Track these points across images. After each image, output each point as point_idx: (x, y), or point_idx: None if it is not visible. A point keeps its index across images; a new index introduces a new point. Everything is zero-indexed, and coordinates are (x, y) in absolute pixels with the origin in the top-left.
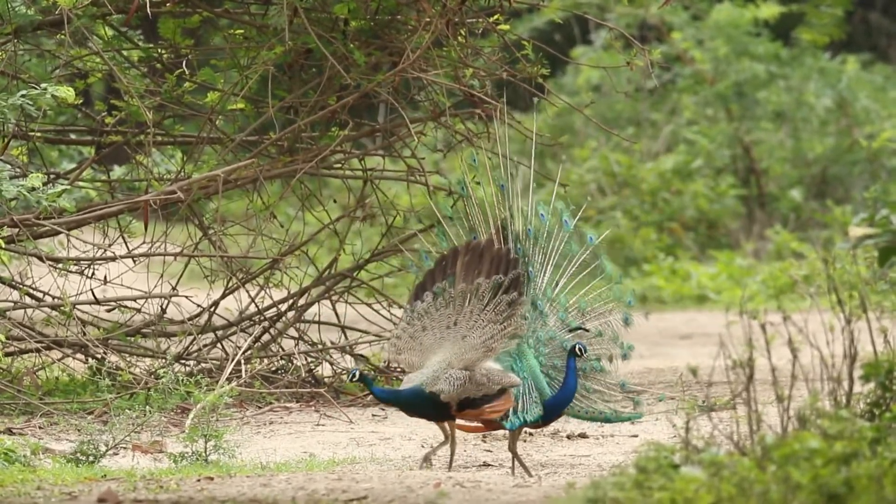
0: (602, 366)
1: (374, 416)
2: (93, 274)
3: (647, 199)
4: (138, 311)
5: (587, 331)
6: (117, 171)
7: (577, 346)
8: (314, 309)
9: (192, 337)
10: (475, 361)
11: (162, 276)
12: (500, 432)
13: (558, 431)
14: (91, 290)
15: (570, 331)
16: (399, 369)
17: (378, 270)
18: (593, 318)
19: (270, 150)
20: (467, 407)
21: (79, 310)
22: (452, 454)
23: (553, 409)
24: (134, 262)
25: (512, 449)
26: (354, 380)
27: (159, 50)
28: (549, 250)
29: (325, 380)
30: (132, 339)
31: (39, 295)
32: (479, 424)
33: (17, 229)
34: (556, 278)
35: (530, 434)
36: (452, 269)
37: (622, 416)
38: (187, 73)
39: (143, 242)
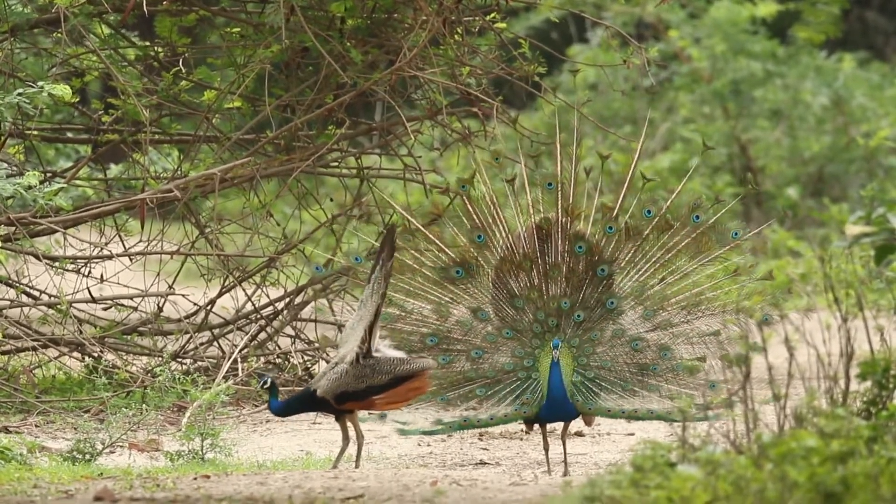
0: (690, 365)
1: (370, 413)
2: (89, 272)
3: (643, 198)
4: (135, 309)
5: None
6: (114, 170)
7: (556, 344)
8: (310, 307)
9: (188, 335)
10: (347, 353)
11: (158, 274)
12: (497, 430)
13: (554, 430)
14: (87, 288)
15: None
16: None
17: None
18: (705, 315)
19: (267, 149)
20: (348, 400)
21: (75, 308)
22: (360, 449)
23: (545, 416)
24: (130, 260)
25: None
26: (265, 387)
27: (156, 48)
28: (651, 247)
29: None
30: (129, 337)
31: (36, 293)
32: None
33: (13, 228)
34: (664, 274)
35: (527, 433)
36: (382, 254)
37: (695, 417)
38: (184, 71)
39: (140, 241)
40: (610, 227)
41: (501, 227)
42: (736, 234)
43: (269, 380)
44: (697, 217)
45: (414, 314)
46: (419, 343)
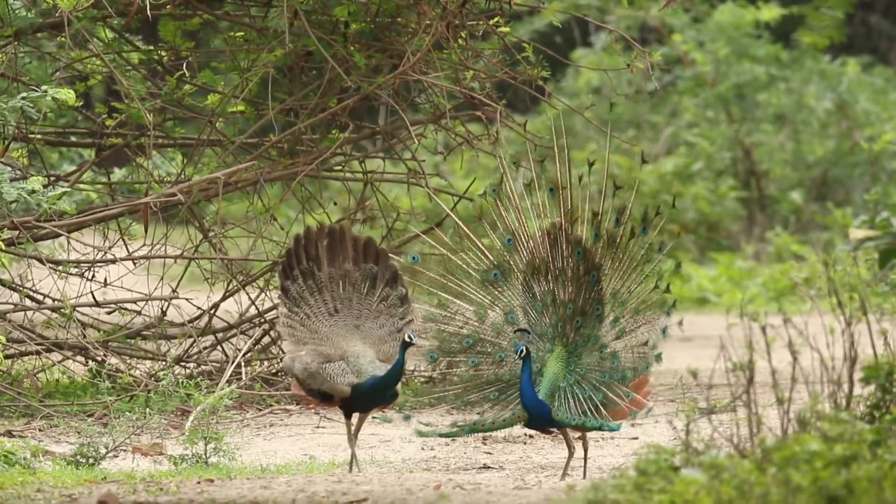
0: (625, 373)
1: (373, 418)
2: (93, 276)
3: (647, 202)
4: (138, 313)
5: (527, 332)
6: (118, 174)
7: (520, 349)
8: None
9: (192, 339)
10: (393, 355)
11: (162, 278)
12: (501, 434)
13: (557, 433)
14: (91, 292)
15: (515, 332)
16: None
17: None
18: (645, 323)
19: (271, 153)
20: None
21: (79, 312)
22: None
23: (533, 423)
24: (134, 264)
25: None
26: None
27: (159, 52)
28: (624, 254)
29: None
30: (132, 341)
31: (40, 297)
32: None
33: (17, 232)
34: (629, 284)
35: (530, 437)
36: (314, 252)
37: (607, 426)
38: (188, 75)
39: (144, 245)
40: (596, 234)
41: (525, 231)
42: (661, 248)
43: None
44: (644, 229)
45: (458, 316)
46: (458, 344)
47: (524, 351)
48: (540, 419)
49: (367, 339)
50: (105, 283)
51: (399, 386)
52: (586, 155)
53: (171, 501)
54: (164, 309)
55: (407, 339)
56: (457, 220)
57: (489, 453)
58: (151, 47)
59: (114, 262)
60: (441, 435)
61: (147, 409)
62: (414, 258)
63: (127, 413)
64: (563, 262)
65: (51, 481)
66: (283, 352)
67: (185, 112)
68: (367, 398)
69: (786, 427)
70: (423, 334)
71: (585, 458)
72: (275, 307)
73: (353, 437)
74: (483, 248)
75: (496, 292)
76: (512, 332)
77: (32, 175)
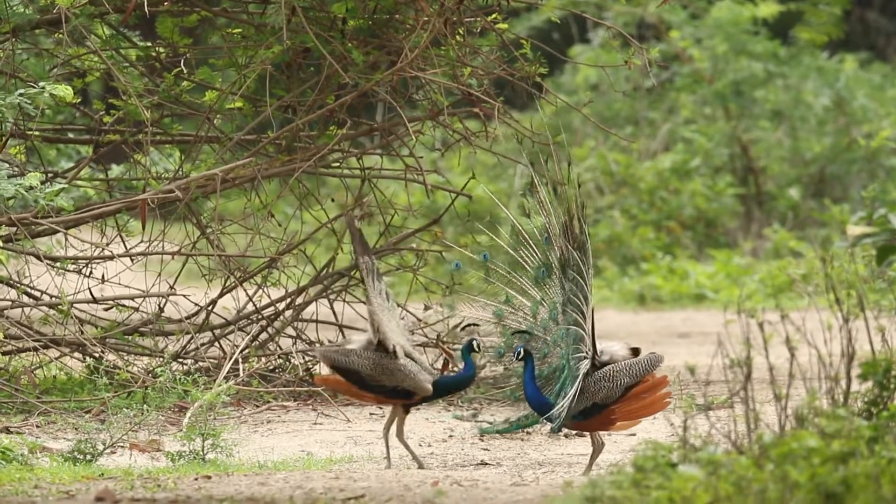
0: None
1: (371, 414)
2: (90, 273)
3: (645, 198)
4: (136, 309)
5: (527, 333)
6: (115, 170)
7: (518, 351)
8: (312, 308)
9: (189, 336)
10: (412, 350)
11: (160, 274)
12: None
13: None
14: (89, 288)
15: (513, 333)
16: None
17: None
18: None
19: (268, 149)
20: None
21: (76, 308)
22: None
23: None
24: (132, 260)
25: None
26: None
27: (157, 49)
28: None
29: None
30: (130, 337)
31: (37, 294)
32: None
33: (15, 228)
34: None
35: (528, 433)
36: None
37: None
38: (185, 71)
39: (141, 241)
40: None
41: (552, 230)
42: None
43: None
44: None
45: (520, 311)
46: (518, 338)
47: (521, 353)
48: (546, 417)
49: (401, 334)
50: (102, 280)
51: None
52: (584, 152)
53: (168, 498)
54: (161, 305)
55: (476, 348)
56: (513, 218)
57: (486, 450)
58: (149, 44)
59: (111, 258)
60: (497, 431)
61: (144, 406)
62: (485, 257)
63: (124, 409)
64: (572, 259)
65: (48, 478)
66: (278, 346)
67: (183, 109)
68: (438, 396)
69: (783, 423)
70: (478, 333)
71: (593, 456)
72: (272, 303)
73: (396, 431)
74: (534, 246)
75: (545, 289)
76: (555, 328)
77: (30, 171)
